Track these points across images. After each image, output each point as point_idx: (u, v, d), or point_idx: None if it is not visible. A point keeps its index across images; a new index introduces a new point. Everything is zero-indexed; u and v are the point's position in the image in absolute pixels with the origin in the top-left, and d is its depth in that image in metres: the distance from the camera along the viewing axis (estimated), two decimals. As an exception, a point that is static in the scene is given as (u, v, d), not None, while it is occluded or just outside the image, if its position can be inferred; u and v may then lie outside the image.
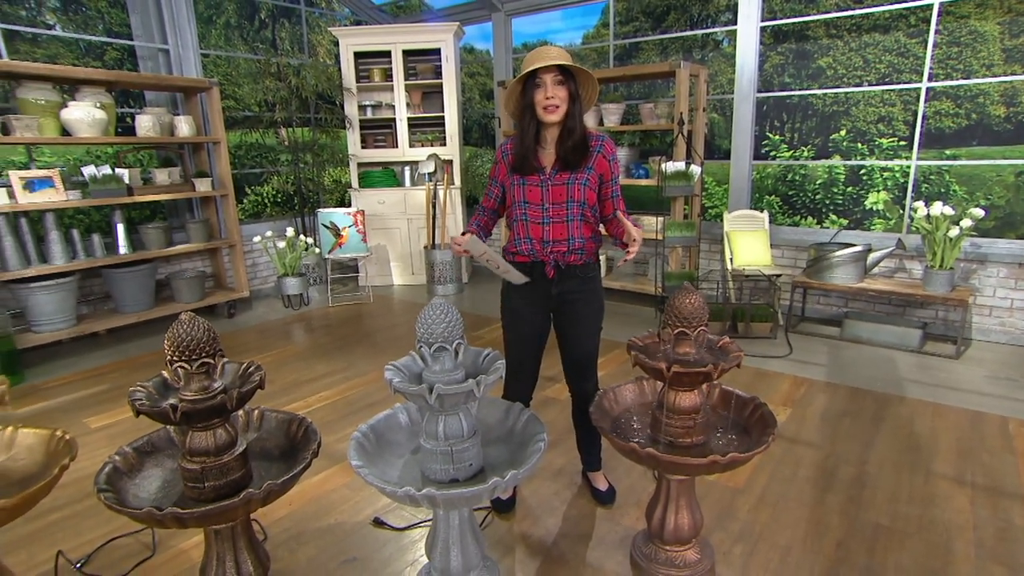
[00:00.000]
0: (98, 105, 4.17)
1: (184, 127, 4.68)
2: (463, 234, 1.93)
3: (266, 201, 6.08)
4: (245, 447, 1.62)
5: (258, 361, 1.66)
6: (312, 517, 2.32)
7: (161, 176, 4.65)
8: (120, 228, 4.41)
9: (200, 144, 5.01)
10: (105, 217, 4.72)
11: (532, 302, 2.12)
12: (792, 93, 4.77)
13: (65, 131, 4.09)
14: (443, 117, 5.82)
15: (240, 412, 1.80)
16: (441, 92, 5.75)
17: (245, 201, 5.90)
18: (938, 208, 3.78)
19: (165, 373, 1.55)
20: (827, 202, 4.84)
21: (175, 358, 1.45)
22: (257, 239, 5.23)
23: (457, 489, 1.43)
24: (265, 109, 5.73)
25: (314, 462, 1.67)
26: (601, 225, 2.14)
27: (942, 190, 4.34)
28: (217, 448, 1.54)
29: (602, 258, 5.45)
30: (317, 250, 5.60)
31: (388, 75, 5.78)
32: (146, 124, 4.48)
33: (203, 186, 4.84)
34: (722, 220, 4.73)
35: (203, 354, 1.46)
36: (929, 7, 4.07)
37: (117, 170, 4.30)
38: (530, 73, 1.91)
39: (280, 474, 1.58)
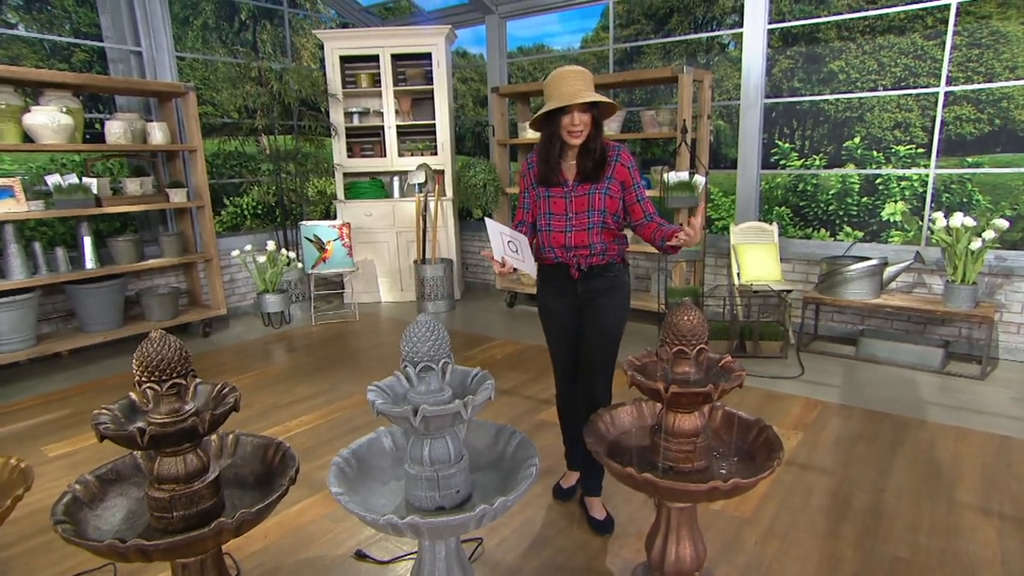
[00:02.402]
0: (64, 110, 4.21)
1: (158, 134, 4.73)
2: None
3: (245, 213, 6.12)
4: (218, 474, 1.63)
5: (235, 383, 1.67)
6: (289, 550, 2.32)
7: (132, 186, 4.68)
8: (87, 241, 4.43)
9: (175, 152, 5.05)
10: (71, 229, 4.74)
11: (562, 299, 2.35)
12: (802, 99, 4.84)
13: (27, 137, 4.13)
14: (434, 125, 5.89)
15: (213, 436, 1.81)
16: (432, 98, 5.83)
17: (223, 213, 5.94)
18: (958, 219, 3.83)
19: (133, 395, 1.57)
20: (840, 213, 4.88)
21: (144, 378, 1.46)
22: (235, 253, 5.26)
23: (443, 517, 1.44)
24: (245, 116, 5.79)
25: (293, 491, 1.67)
26: (635, 231, 2.32)
27: (964, 200, 4.39)
28: (187, 475, 1.54)
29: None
30: (300, 265, 5.62)
31: (376, 80, 5.85)
32: (116, 131, 4.52)
33: (178, 197, 4.88)
34: (728, 233, 4.78)
35: (174, 374, 1.48)
36: (947, 7, 4.14)
37: (84, 179, 4.33)
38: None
39: (255, 503, 1.59)
